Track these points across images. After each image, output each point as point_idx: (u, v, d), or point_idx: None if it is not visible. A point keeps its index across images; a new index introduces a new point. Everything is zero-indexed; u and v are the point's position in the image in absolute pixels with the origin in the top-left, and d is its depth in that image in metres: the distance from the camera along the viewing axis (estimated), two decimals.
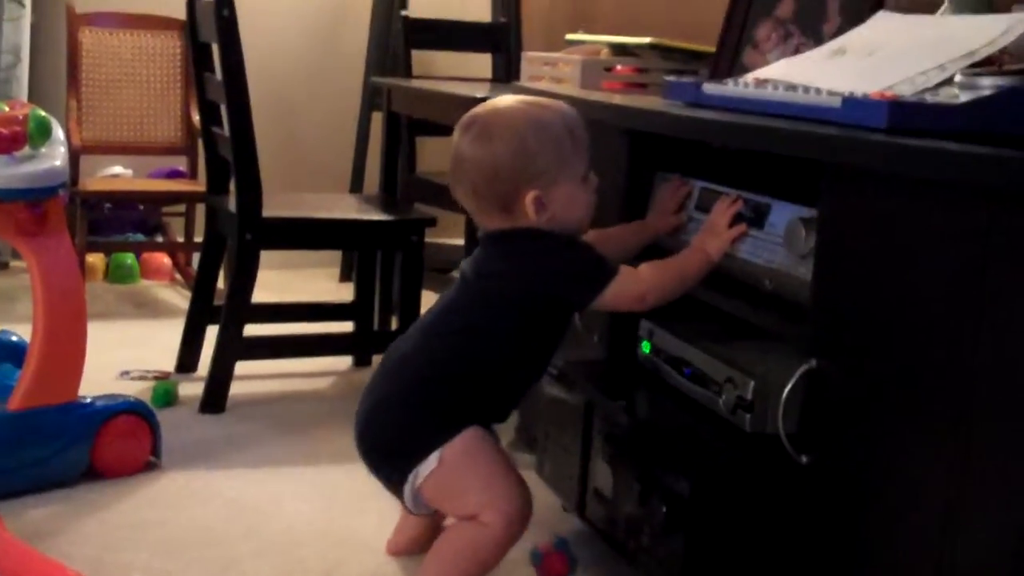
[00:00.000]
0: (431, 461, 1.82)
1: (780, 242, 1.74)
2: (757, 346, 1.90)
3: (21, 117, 2.25)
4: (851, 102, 1.58)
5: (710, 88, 1.99)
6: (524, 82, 2.92)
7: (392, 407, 1.88)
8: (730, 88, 1.94)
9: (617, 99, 2.27)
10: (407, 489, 1.86)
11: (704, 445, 1.81)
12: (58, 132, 2.34)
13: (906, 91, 1.61)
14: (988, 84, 1.55)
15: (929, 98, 1.58)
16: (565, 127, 1.86)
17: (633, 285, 1.86)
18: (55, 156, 2.28)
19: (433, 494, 1.86)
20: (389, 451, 1.89)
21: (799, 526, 1.63)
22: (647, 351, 2.09)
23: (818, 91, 1.71)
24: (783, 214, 1.75)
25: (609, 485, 1.93)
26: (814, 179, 1.60)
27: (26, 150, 2.25)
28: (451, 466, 1.83)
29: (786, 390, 1.62)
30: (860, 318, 1.51)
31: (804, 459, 1.60)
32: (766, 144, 1.67)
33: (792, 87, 1.79)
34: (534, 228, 1.85)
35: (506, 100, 1.91)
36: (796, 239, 1.69)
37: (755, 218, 1.83)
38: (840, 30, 2.11)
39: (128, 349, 3.32)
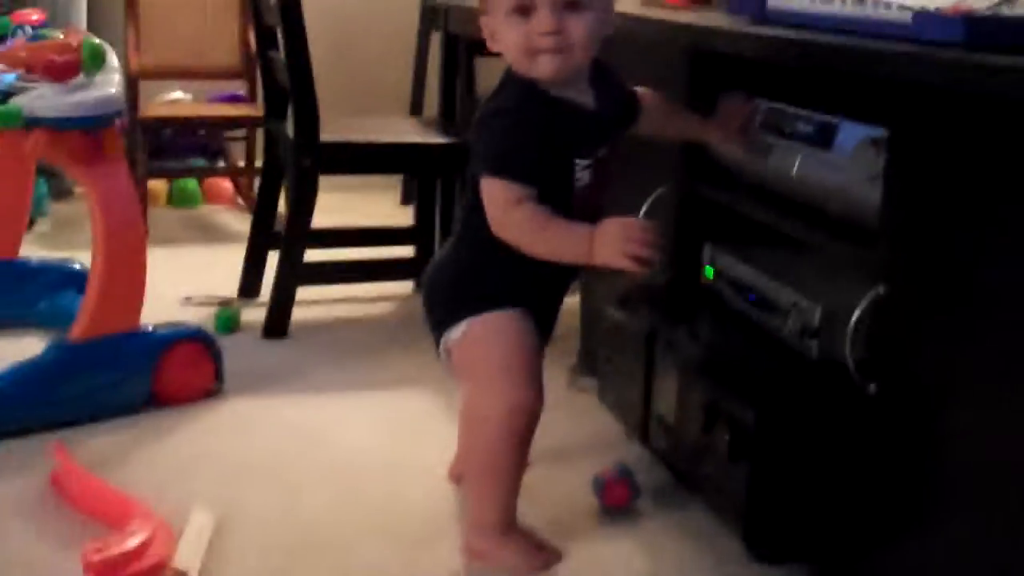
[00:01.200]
0: (461, 327, 1.81)
1: (848, 164, 1.68)
2: (824, 271, 1.85)
3: (75, 45, 2.23)
4: (923, 17, 1.51)
5: (776, 3, 1.92)
6: None
7: (447, 264, 1.88)
8: (796, 3, 1.87)
9: (678, 16, 2.21)
10: (441, 343, 1.86)
11: (769, 373, 1.77)
12: (112, 59, 2.32)
13: (980, 4, 1.54)
14: None
15: (1006, 11, 1.50)
16: None
17: (500, 208, 1.71)
18: (110, 84, 2.27)
19: (456, 360, 1.85)
20: (436, 304, 1.88)
21: (866, 457, 1.59)
22: (710, 276, 2.05)
23: (887, 6, 1.64)
24: (851, 134, 1.69)
25: (672, 412, 1.90)
26: (883, 98, 1.54)
27: (80, 78, 2.24)
28: (473, 339, 1.81)
29: (854, 317, 1.58)
30: (931, 242, 1.46)
31: (872, 388, 1.56)
32: (836, 62, 1.61)
33: (861, 1, 1.72)
34: (510, 68, 1.76)
35: None
36: (865, 160, 1.63)
37: (822, 139, 1.77)
38: None
39: (191, 274, 3.33)
